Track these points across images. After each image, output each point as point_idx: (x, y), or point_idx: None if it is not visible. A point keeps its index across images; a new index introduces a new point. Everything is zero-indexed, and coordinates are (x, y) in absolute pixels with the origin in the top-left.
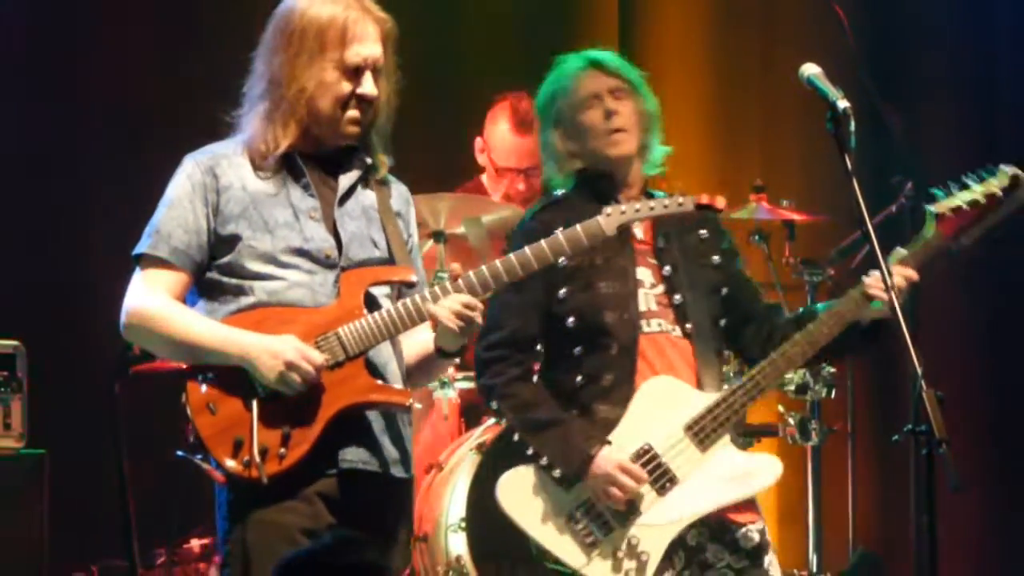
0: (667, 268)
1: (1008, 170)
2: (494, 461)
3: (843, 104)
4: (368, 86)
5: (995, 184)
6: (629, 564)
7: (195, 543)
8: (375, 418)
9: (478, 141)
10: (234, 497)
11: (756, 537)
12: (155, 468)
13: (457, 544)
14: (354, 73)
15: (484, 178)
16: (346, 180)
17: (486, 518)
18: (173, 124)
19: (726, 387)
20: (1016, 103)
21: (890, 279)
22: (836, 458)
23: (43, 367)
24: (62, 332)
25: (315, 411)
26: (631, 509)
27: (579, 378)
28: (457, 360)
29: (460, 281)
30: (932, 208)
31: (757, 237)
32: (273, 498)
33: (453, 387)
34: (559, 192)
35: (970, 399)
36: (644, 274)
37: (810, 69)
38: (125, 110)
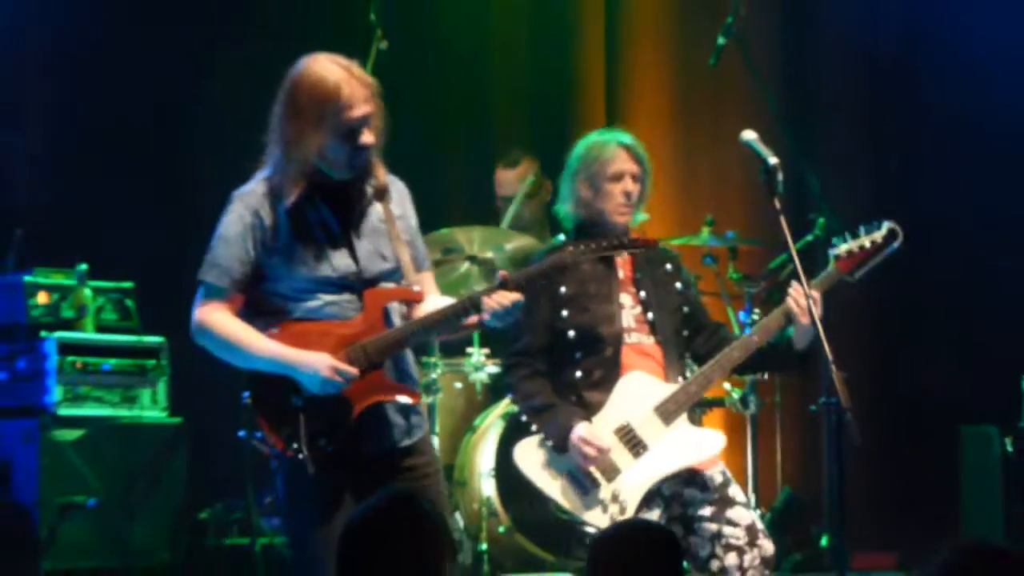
0: (643, 293)
1: (888, 224)
2: (515, 426)
3: (773, 160)
4: (364, 138)
5: (878, 234)
6: (613, 508)
7: None
8: (387, 408)
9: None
10: (285, 472)
11: (719, 477)
12: None
13: (488, 487)
14: (351, 133)
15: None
16: (358, 206)
17: (509, 468)
18: None
19: (682, 380)
20: (901, 155)
21: (807, 288)
22: (768, 423)
23: (184, 355)
24: None
25: (347, 409)
26: (614, 470)
27: (577, 373)
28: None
29: (510, 281)
30: (832, 251)
31: (708, 259)
32: (315, 476)
33: (485, 370)
34: (561, 238)
35: (868, 378)
36: (625, 299)
37: (748, 135)
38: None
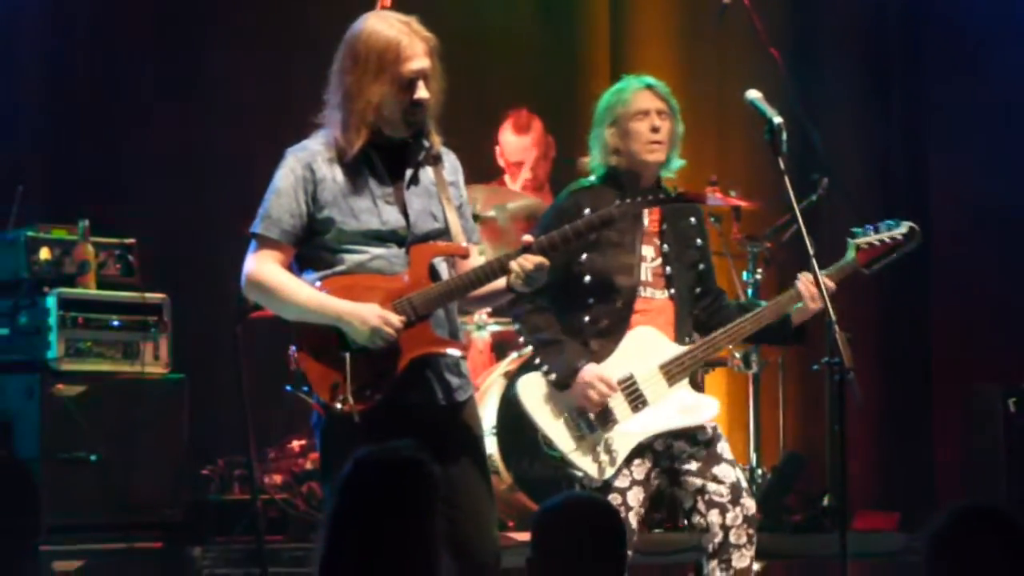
0: (665, 246)
1: (907, 223)
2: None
3: (777, 120)
4: (420, 92)
5: (898, 231)
6: (604, 456)
7: (295, 444)
8: (433, 360)
9: (497, 149)
10: (328, 425)
11: (709, 432)
12: (266, 388)
13: (489, 445)
14: (408, 85)
15: (506, 178)
16: (411, 164)
17: (511, 426)
18: (280, 123)
19: (690, 340)
20: (905, 116)
21: (812, 250)
22: (770, 383)
23: (185, 313)
24: (200, 287)
25: (394, 360)
26: (611, 418)
27: (586, 318)
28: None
29: (534, 245)
30: (852, 241)
31: (712, 219)
32: (360, 427)
33: (487, 329)
34: (589, 180)
35: (871, 338)
36: (647, 251)
37: (752, 94)
38: (248, 109)
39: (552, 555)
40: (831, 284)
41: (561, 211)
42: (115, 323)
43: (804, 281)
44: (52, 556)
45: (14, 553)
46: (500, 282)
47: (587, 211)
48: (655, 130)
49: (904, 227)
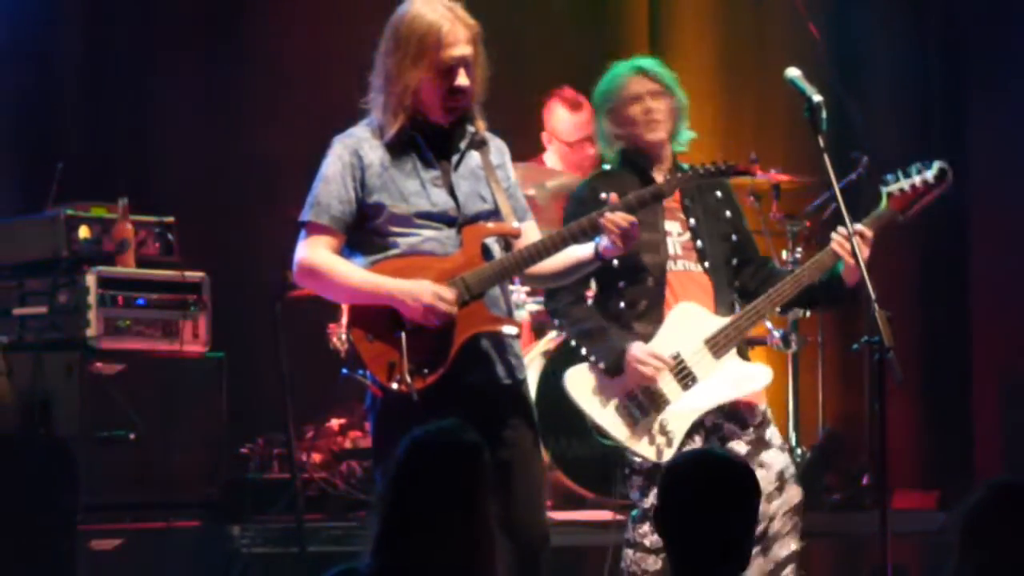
0: (692, 220)
1: (938, 164)
2: (555, 364)
3: (817, 98)
4: (460, 80)
5: (929, 174)
6: (660, 439)
7: (335, 422)
8: (488, 340)
9: (544, 135)
10: (384, 408)
11: (759, 416)
12: (305, 367)
13: None
14: (448, 71)
15: (545, 157)
16: (456, 149)
17: (550, 405)
18: (320, 103)
19: (735, 312)
20: (945, 96)
21: (851, 230)
22: (810, 361)
23: (224, 291)
24: (239, 265)
25: (449, 339)
26: (662, 399)
27: (622, 304)
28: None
29: (622, 203)
30: (885, 189)
31: (752, 197)
32: (418, 407)
33: (525, 308)
34: (607, 167)
35: (911, 317)
36: (672, 226)
37: (792, 72)
38: (288, 87)
39: (675, 507)
40: (868, 232)
41: (579, 200)
42: (154, 301)
43: (837, 239)
44: (90, 535)
45: (53, 532)
46: (586, 251)
47: (602, 195)
48: (649, 111)
49: (935, 168)
